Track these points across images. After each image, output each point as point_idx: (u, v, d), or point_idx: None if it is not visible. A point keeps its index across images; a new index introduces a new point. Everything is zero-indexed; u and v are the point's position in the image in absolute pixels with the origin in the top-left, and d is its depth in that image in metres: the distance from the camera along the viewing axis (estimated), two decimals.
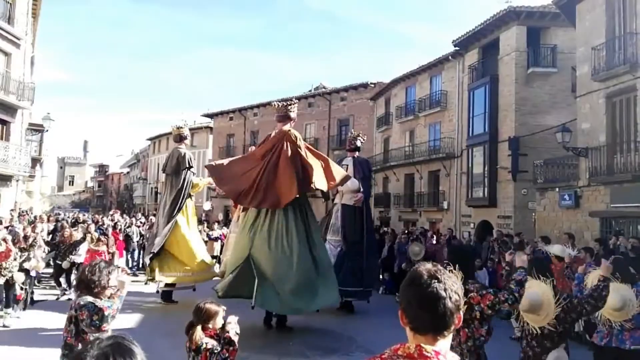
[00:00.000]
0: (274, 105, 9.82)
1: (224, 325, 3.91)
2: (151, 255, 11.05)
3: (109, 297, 3.85)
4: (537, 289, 4.37)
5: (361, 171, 11.66)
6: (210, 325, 3.87)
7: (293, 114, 9.57)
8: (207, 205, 12.48)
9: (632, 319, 5.14)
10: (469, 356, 3.61)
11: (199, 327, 3.82)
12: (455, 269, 3.39)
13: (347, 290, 10.76)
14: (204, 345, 3.74)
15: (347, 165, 11.69)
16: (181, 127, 12.29)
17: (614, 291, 4.85)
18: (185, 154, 11.84)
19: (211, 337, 3.85)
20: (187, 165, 11.70)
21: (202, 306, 3.92)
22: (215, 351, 3.72)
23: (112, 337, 1.58)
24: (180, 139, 12.19)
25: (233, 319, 3.94)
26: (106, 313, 3.70)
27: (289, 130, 9.30)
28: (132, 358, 1.48)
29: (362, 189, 11.49)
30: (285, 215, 8.88)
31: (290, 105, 9.61)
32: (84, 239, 12.12)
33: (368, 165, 12.11)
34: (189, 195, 11.76)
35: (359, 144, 12.04)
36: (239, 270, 8.59)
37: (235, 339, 3.85)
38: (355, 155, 11.89)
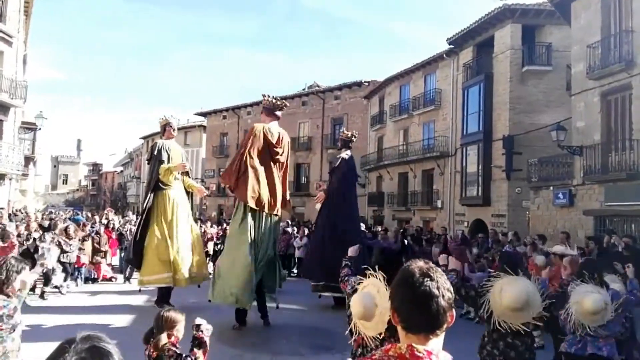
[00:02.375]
0: (264, 96, 9.67)
1: (197, 326, 3.83)
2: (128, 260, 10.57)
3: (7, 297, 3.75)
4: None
5: (335, 165, 11.83)
6: (174, 333, 3.79)
7: (279, 113, 9.54)
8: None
9: (605, 326, 4.76)
10: None
11: (164, 335, 3.74)
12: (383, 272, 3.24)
13: (322, 285, 10.83)
14: (168, 352, 3.66)
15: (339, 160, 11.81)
16: (164, 118, 11.13)
17: (594, 292, 4.69)
18: (155, 143, 10.90)
19: (173, 345, 3.76)
20: (151, 155, 10.66)
21: (166, 314, 3.84)
22: (183, 355, 3.64)
23: (88, 339, 1.51)
24: (164, 130, 11.09)
25: (202, 321, 3.86)
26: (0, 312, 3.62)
27: (255, 126, 9.34)
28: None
29: (331, 183, 11.65)
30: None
31: (278, 103, 9.51)
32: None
33: (350, 161, 11.73)
34: (160, 187, 10.43)
35: (345, 137, 12.01)
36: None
37: (207, 340, 3.77)
38: (344, 152, 11.80)
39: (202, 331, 3.75)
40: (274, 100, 9.53)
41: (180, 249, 10.15)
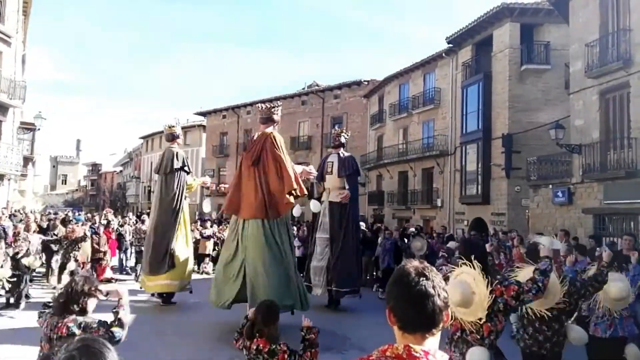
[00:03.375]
0: (258, 107, 9.69)
1: (308, 329, 3.88)
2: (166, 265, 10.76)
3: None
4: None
5: (346, 168, 11.48)
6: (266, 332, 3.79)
7: (277, 117, 9.37)
8: (206, 207, 11.97)
9: (627, 307, 5.45)
10: (490, 349, 3.60)
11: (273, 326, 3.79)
12: (470, 261, 3.53)
13: (337, 290, 10.84)
14: (280, 348, 3.66)
15: (332, 162, 11.63)
16: (173, 126, 11.81)
17: (619, 280, 5.10)
18: (177, 153, 11.34)
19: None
20: (181, 166, 11.25)
21: (271, 308, 3.89)
22: (297, 353, 3.69)
23: (82, 339, 1.53)
24: (172, 137, 11.73)
25: (309, 322, 3.92)
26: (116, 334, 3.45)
27: (271, 132, 9.16)
28: None
29: (347, 186, 11.37)
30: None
31: (273, 107, 9.42)
32: (85, 236, 12.04)
33: (353, 161, 11.77)
34: (185, 197, 11.38)
35: (343, 140, 11.97)
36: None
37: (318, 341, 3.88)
38: (340, 152, 11.79)
39: (314, 333, 3.84)
40: (265, 108, 9.48)
41: (187, 256, 11.25)
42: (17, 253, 9.86)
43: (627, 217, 13.83)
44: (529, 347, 4.81)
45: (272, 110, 9.37)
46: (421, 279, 1.63)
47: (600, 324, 5.53)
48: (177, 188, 11.06)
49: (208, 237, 16.75)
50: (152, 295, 11.39)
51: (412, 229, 17.77)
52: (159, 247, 10.86)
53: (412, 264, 1.70)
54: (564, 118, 16.39)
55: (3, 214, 16.24)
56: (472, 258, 3.61)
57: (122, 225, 17.40)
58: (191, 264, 11.52)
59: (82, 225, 14.52)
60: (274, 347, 3.67)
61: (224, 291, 8.81)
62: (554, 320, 4.63)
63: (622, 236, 10.79)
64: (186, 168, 11.44)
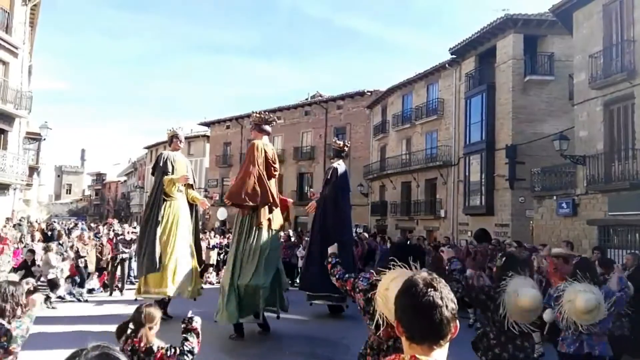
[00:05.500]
0: (252, 114, 9.72)
1: (189, 319, 3.90)
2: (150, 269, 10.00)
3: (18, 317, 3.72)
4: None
5: (325, 176, 11.86)
6: (154, 328, 3.82)
7: (267, 128, 9.49)
8: (221, 215, 12.08)
9: (598, 324, 4.83)
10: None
11: (147, 328, 3.77)
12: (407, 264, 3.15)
13: (315, 295, 10.86)
14: (155, 345, 3.68)
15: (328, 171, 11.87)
16: (172, 130, 11.32)
17: (587, 292, 4.70)
18: (160, 154, 11.04)
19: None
20: (155, 166, 10.80)
21: (147, 309, 3.86)
22: (173, 348, 3.67)
23: (99, 347, 1.53)
24: (171, 141, 11.23)
25: (192, 314, 3.96)
26: (14, 334, 3.58)
27: (255, 142, 9.27)
28: None
29: (324, 192, 11.50)
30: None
31: (267, 119, 9.48)
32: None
33: (333, 171, 11.62)
34: (164, 198, 10.50)
35: (335, 147, 12.17)
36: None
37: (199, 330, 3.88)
38: (337, 162, 11.84)
39: (195, 322, 3.88)
40: (262, 116, 9.49)
41: (179, 260, 10.17)
42: None
43: (632, 229, 13.76)
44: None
45: (265, 120, 9.39)
46: (429, 289, 1.64)
47: (565, 339, 5.10)
48: (153, 190, 10.78)
49: (212, 247, 16.76)
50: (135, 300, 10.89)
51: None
52: (139, 249, 10.50)
53: (421, 275, 1.70)
54: (568, 129, 16.39)
55: (7, 223, 16.34)
56: (410, 260, 3.24)
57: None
58: (183, 273, 10.40)
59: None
60: (149, 346, 3.71)
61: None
62: (531, 337, 4.45)
63: (626, 248, 10.77)
64: (166, 169, 10.66)
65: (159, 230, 10.13)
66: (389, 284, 3.08)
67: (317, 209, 11.44)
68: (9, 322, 3.66)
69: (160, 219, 10.23)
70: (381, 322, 3.13)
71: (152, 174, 11.18)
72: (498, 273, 4.63)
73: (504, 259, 4.74)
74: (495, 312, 4.28)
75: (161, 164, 10.56)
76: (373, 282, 3.44)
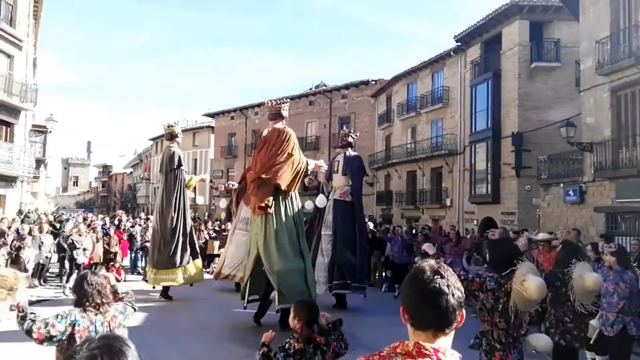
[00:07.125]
0: (267, 103, 9.76)
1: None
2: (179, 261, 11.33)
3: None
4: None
5: (351, 167, 11.65)
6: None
7: (285, 112, 9.46)
8: (222, 203, 12.45)
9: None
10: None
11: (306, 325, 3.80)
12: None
13: (340, 284, 10.85)
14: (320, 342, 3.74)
15: (339, 161, 11.80)
16: (172, 125, 12.22)
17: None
18: (174, 152, 11.75)
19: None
20: (176, 165, 11.65)
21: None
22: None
23: (103, 337, 1.53)
24: (171, 137, 12.14)
25: (327, 315, 4.06)
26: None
27: (284, 127, 9.22)
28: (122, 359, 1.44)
29: (350, 184, 11.55)
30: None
31: (282, 103, 9.52)
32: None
33: (358, 161, 11.93)
34: (185, 194, 11.84)
35: (350, 140, 12.07)
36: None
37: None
38: (347, 152, 11.89)
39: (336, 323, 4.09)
40: (274, 103, 9.54)
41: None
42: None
43: None
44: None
45: (281, 106, 9.46)
46: (436, 276, 1.63)
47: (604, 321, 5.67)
48: (177, 185, 11.61)
49: (215, 237, 16.82)
50: (161, 295, 11.52)
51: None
52: (169, 244, 11.28)
53: (428, 263, 1.70)
54: (575, 116, 16.24)
55: (15, 220, 16.43)
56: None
57: (133, 226, 17.53)
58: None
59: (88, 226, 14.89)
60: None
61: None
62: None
63: (634, 235, 10.72)
64: (183, 167, 11.97)
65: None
66: (526, 276, 3.75)
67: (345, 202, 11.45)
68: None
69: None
70: (512, 315, 3.76)
71: (169, 170, 11.64)
72: (559, 260, 5.19)
73: (563, 248, 5.32)
74: (567, 296, 4.84)
75: (176, 164, 11.63)
76: (499, 281, 3.91)
